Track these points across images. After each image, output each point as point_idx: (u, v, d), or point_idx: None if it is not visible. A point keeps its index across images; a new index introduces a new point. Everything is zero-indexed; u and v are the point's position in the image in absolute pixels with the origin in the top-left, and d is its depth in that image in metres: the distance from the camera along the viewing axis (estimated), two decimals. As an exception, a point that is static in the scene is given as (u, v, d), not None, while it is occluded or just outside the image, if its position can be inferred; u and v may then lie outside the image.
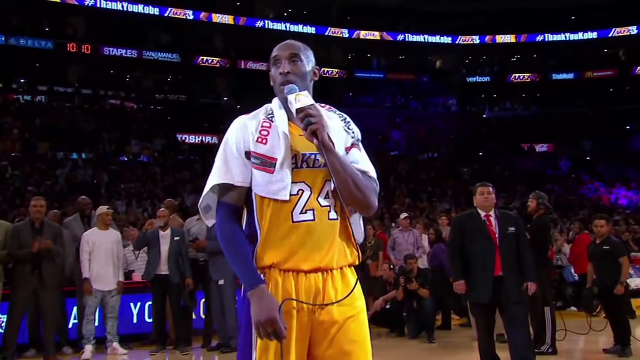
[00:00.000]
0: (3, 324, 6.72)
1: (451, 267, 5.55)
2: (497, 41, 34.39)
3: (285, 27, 31.42)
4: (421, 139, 31.38)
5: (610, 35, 33.27)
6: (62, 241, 6.77)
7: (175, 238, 7.16)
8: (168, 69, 31.16)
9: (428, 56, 35.93)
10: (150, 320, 7.62)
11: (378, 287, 8.64)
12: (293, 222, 2.02)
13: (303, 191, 2.04)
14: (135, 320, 7.90)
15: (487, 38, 34.42)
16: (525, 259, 5.24)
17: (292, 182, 2.02)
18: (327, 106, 2.21)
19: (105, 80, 29.47)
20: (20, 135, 22.48)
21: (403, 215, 10.03)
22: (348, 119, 2.22)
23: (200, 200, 2.16)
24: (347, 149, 2.13)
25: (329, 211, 2.06)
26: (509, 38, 34.28)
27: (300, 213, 2.02)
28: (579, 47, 33.81)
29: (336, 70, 33.19)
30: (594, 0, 32.42)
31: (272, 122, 2.10)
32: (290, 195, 2.02)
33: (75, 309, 7.42)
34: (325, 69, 30.78)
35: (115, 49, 28.95)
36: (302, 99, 2.03)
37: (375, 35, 33.77)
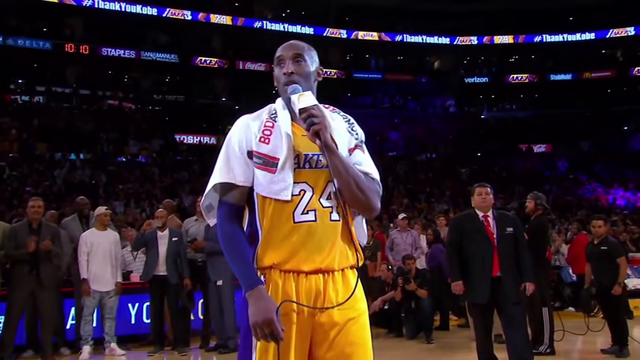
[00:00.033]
0: (0, 325, 6.69)
1: (449, 268, 5.55)
2: (495, 42, 34.41)
3: (284, 27, 31.45)
4: (419, 140, 31.38)
5: (608, 36, 33.31)
6: (60, 242, 6.76)
7: (174, 239, 7.15)
8: (166, 70, 31.13)
9: (426, 57, 35.94)
10: (148, 321, 7.61)
11: (376, 287, 8.63)
12: (294, 222, 2.00)
13: (305, 192, 2.02)
14: (133, 321, 7.89)
15: (485, 39, 34.43)
16: (523, 259, 5.24)
17: (294, 183, 2.01)
18: (331, 107, 2.20)
19: (103, 81, 29.41)
20: (18, 135, 22.45)
21: (401, 215, 10.04)
22: (352, 120, 2.21)
23: (202, 200, 2.16)
24: (351, 151, 2.12)
25: (331, 212, 2.04)
26: (507, 39, 34.29)
27: (302, 214, 2.01)
28: (576, 48, 33.84)
29: (334, 71, 33.15)
30: (592, 1, 32.46)
31: (275, 122, 2.09)
32: (292, 195, 2.01)
33: (73, 309, 7.40)
34: (323, 70, 30.66)
35: (113, 50, 28.93)
36: (305, 99, 2.02)
37: (373, 36, 33.79)
